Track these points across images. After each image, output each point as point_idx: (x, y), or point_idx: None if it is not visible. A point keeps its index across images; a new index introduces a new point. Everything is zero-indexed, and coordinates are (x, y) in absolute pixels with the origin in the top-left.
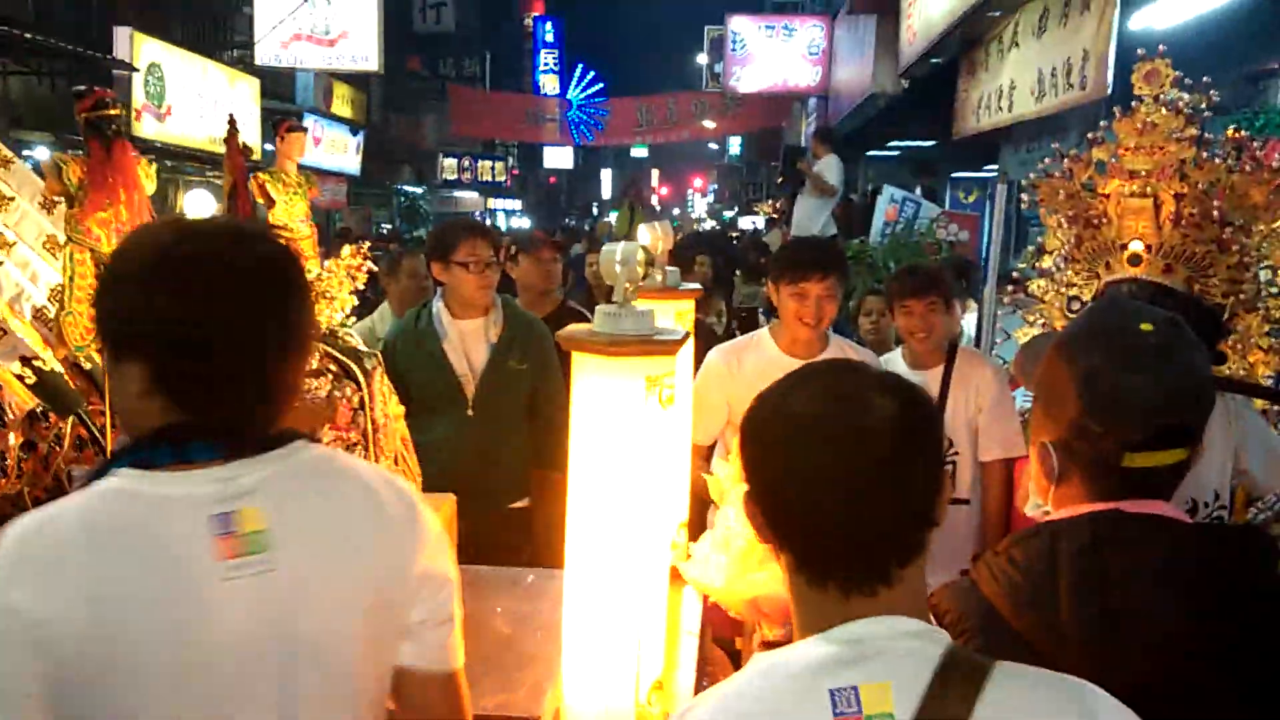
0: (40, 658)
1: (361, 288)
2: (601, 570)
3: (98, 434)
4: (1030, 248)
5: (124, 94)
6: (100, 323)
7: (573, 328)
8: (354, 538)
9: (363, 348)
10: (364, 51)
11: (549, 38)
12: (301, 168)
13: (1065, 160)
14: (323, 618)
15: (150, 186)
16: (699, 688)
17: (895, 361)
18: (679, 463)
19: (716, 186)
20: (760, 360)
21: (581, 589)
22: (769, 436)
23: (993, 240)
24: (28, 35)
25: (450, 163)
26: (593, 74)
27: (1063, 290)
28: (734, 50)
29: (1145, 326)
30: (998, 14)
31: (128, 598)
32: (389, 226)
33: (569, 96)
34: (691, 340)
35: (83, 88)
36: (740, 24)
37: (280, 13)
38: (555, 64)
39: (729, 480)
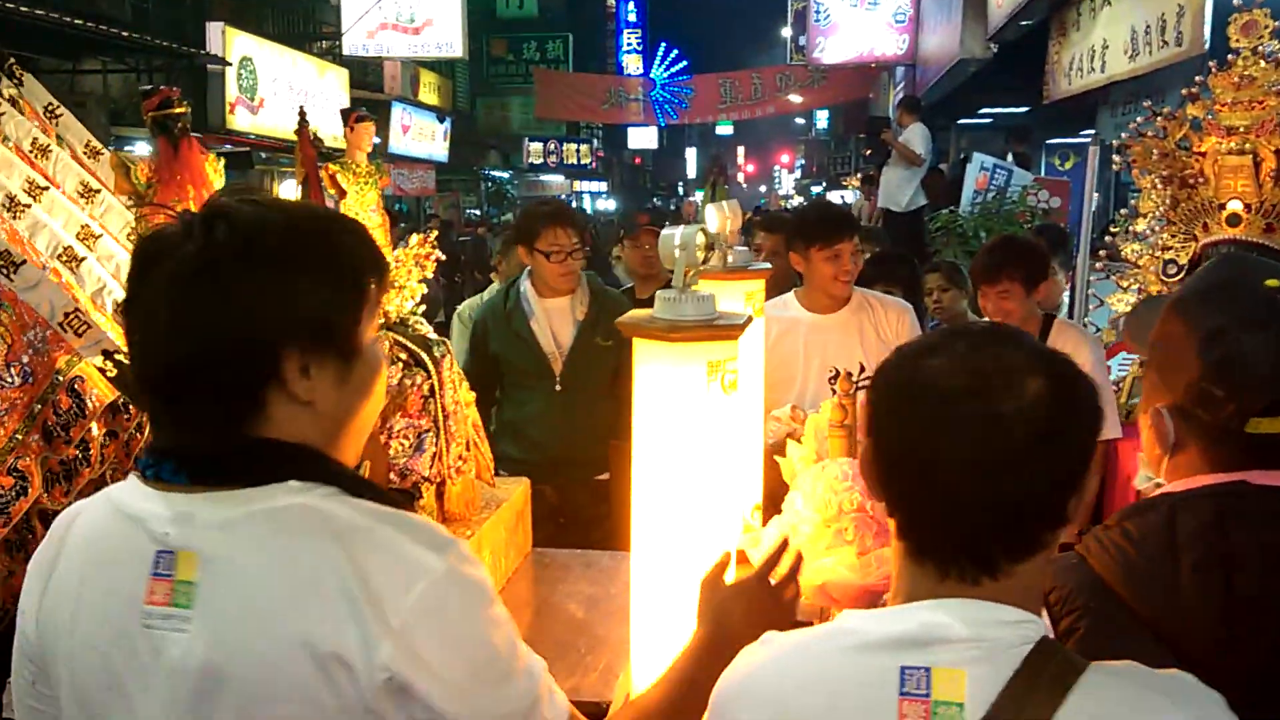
0: (24, 649)
1: (430, 276)
2: (667, 556)
3: None
4: (1123, 210)
5: (217, 88)
6: None
7: (632, 313)
8: (288, 615)
9: (432, 335)
10: (449, 39)
11: (631, 18)
12: (376, 155)
13: (1159, 119)
14: (234, 707)
15: (218, 182)
16: None
17: None
18: (747, 446)
19: (804, 161)
20: (786, 321)
21: (648, 575)
22: (899, 399)
23: (1086, 206)
24: (125, 33)
25: (536, 146)
26: (676, 52)
27: (1158, 254)
28: (818, 21)
29: (1271, 283)
30: None
31: (77, 605)
32: (477, 212)
33: (653, 76)
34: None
35: (149, 88)
36: None
37: (366, 3)
38: (639, 44)
39: (801, 462)
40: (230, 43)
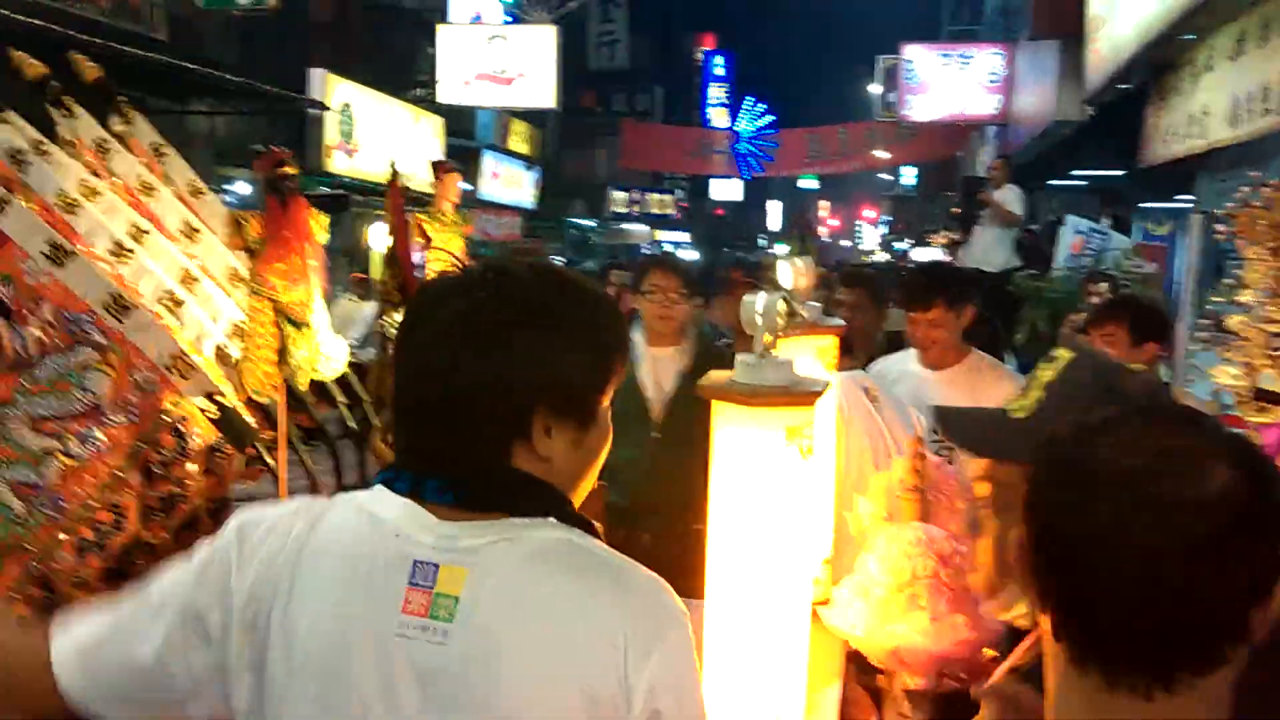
0: (223, 597)
1: None
2: (740, 618)
3: (266, 455)
4: (1228, 281)
5: (316, 132)
6: None
7: (713, 374)
8: (560, 640)
9: None
10: (541, 90)
11: (719, 71)
12: (463, 205)
13: (1265, 189)
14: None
15: (323, 238)
16: None
17: None
18: (820, 509)
19: (889, 217)
20: (898, 373)
21: (721, 636)
22: (1066, 481)
23: (1187, 273)
24: (232, 77)
25: (620, 196)
26: (763, 107)
27: (1264, 327)
28: (908, 79)
29: None
30: (1191, 37)
31: (325, 594)
32: (560, 260)
33: (738, 129)
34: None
35: (262, 148)
36: (915, 52)
37: (463, 54)
38: (726, 97)
39: (869, 519)
40: (331, 89)
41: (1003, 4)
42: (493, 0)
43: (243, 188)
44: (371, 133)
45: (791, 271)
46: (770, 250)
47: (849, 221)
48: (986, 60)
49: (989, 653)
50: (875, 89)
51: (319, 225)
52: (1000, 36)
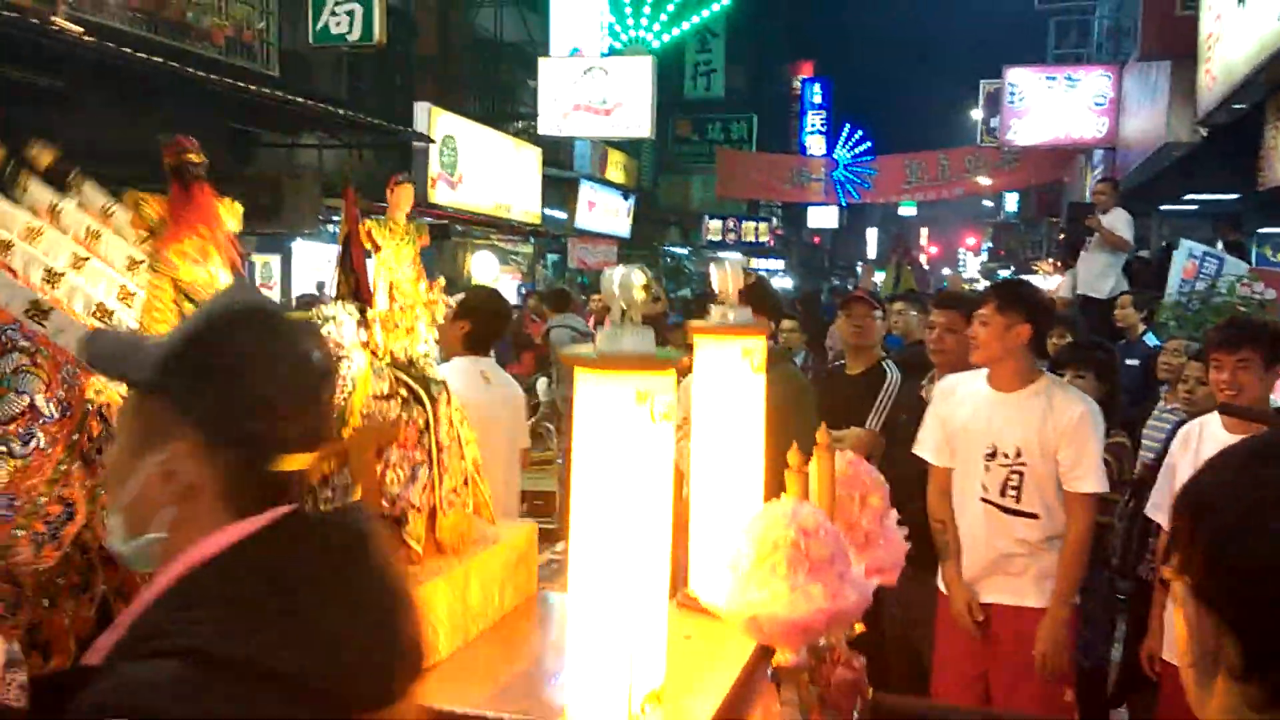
0: None
1: (440, 321)
2: (600, 584)
3: None
4: None
5: (421, 164)
6: None
7: (577, 346)
8: None
9: (437, 377)
10: (638, 120)
11: (816, 99)
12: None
13: None
14: None
15: (234, 224)
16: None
17: (1210, 425)
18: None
19: (990, 244)
20: (968, 389)
21: (582, 601)
22: (1259, 526)
23: None
24: (340, 111)
25: (715, 224)
26: (860, 133)
27: None
28: (1011, 103)
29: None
30: None
31: None
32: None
33: (836, 156)
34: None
35: (165, 137)
36: (1019, 76)
37: (563, 86)
38: (823, 125)
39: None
40: (435, 121)
41: (1113, 25)
42: (593, 32)
43: None
44: (474, 164)
45: (719, 275)
46: (863, 275)
47: (949, 249)
48: (1094, 82)
49: (858, 626)
50: (977, 114)
51: (230, 212)
52: (1109, 59)
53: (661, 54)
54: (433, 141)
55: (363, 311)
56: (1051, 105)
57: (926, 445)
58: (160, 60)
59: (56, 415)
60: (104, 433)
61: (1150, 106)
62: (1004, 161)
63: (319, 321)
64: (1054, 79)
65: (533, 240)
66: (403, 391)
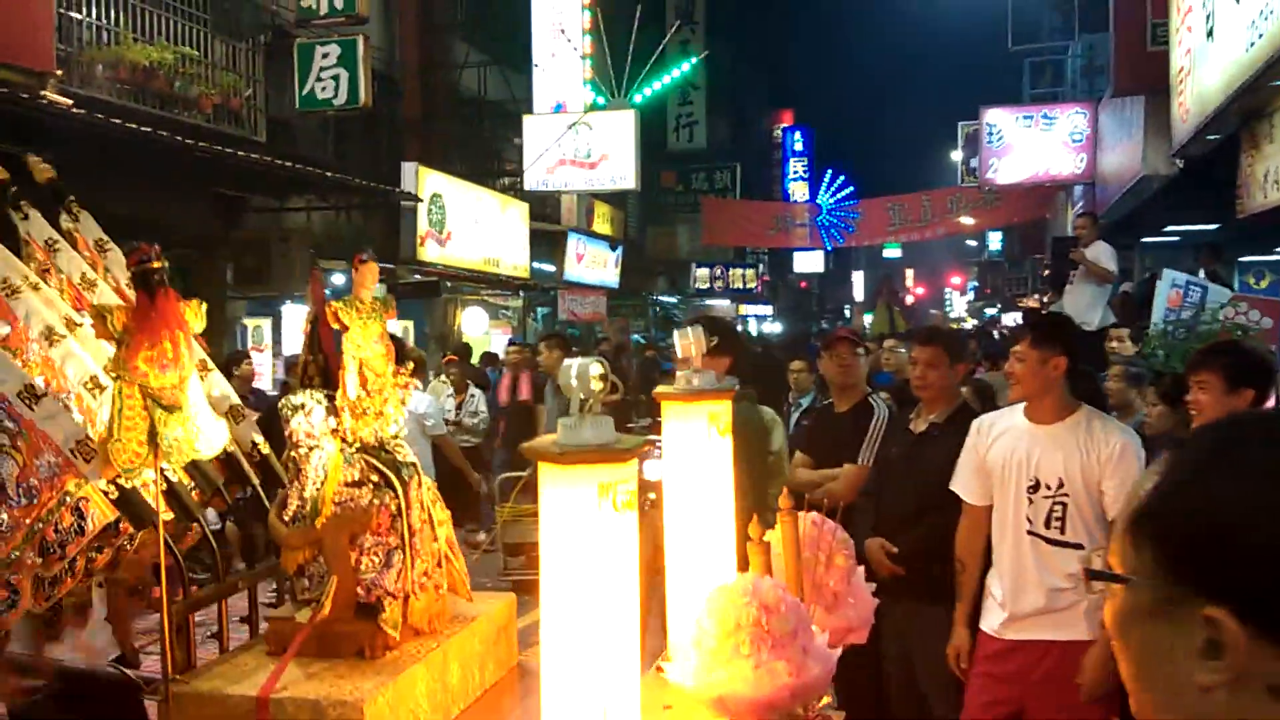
0: None
1: (404, 404)
2: (572, 666)
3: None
4: None
5: (410, 222)
6: None
7: (539, 440)
8: None
9: (410, 459)
10: (622, 172)
11: (798, 146)
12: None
13: None
14: None
15: (198, 325)
16: None
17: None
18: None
19: (976, 283)
20: (1006, 424)
21: (557, 683)
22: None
23: None
24: (327, 173)
25: (703, 272)
26: (842, 178)
27: None
28: (990, 143)
29: None
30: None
31: None
32: (638, 337)
33: (819, 201)
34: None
35: (131, 245)
36: (996, 116)
37: (547, 142)
38: (805, 171)
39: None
40: (422, 181)
41: (1086, 63)
42: (575, 88)
43: (338, 279)
44: (462, 221)
45: (681, 342)
46: (858, 320)
47: (935, 289)
48: (1069, 120)
49: (825, 699)
50: (957, 155)
51: (196, 314)
52: (1084, 96)
53: (644, 107)
54: (420, 200)
55: (331, 399)
56: (1030, 144)
57: (961, 482)
58: (149, 130)
59: (23, 501)
60: (75, 526)
61: (1126, 141)
62: (985, 201)
63: (289, 411)
64: (1031, 118)
65: (522, 294)
66: (374, 477)
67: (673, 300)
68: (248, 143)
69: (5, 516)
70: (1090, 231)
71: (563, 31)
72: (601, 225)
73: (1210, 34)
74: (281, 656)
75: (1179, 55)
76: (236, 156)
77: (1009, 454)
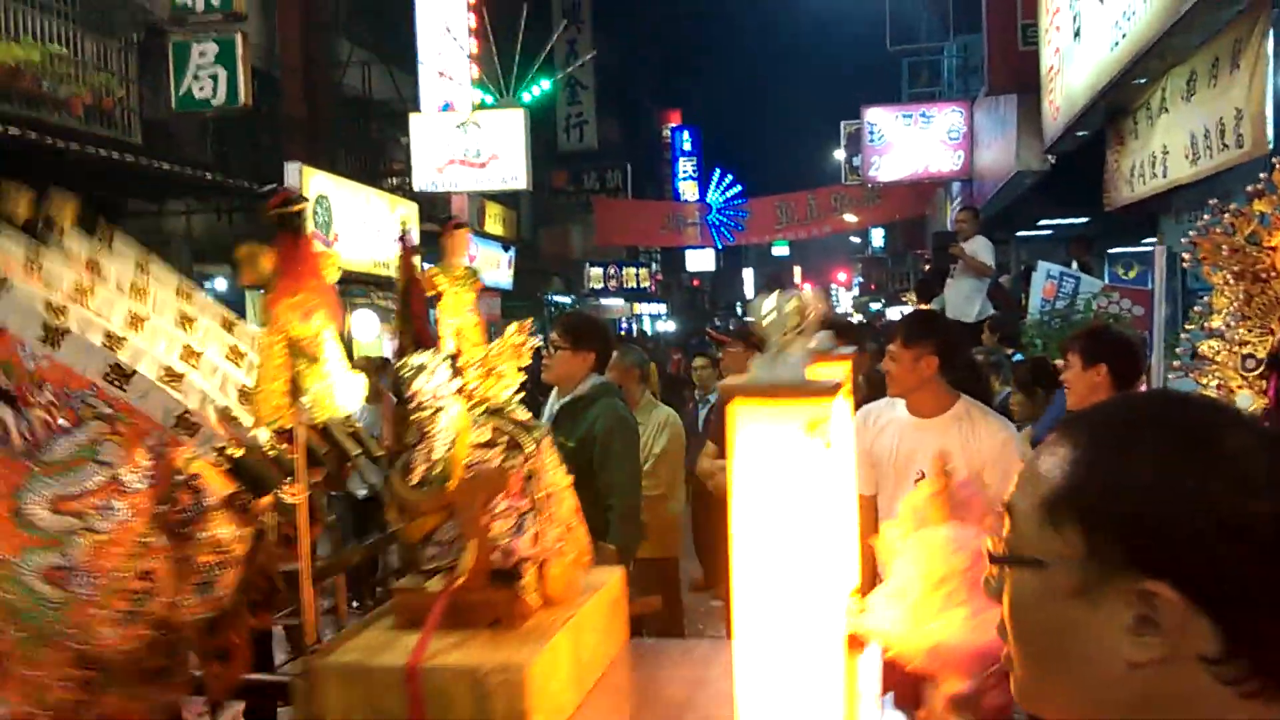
0: None
1: (528, 363)
2: (771, 629)
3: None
4: (1198, 307)
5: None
6: None
7: (731, 379)
8: None
9: (532, 421)
10: (513, 172)
11: (686, 146)
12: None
13: (1226, 215)
14: None
15: (333, 276)
16: None
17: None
18: (848, 514)
19: (861, 279)
20: (889, 416)
21: (753, 649)
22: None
23: (1156, 310)
24: (208, 175)
25: (596, 272)
26: (730, 177)
27: (1236, 349)
28: (872, 141)
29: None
30: (1143, 81)
31: None
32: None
33: (709, 200)
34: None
35: (269, 187)
36: (876, 115)
37: (435, 141)
38: (694, 171)
39: (899, 537)
40: (307, 181)
41: (961, 64)
42: (463, 89)
43: (220, 284)
44: (349, 223)
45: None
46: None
47: (822, 285)
48: (946, 118)
49: None
50: (840, 154)
51: (331, 263)
52: (960, 95)
53: (533, 106)
54: (305, 200)
55: (454, 358)
56: (909, 142)
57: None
58: (18, 132)
59: (141, 486)
60: (196, 503)
61: (1001, 138)
62: (868, 198)
63: (409, 372)
64: (909, 116)
65: None
66: (503, 439)
67: (567, 301)
68: (123, 144)
69: (123, 504)
70: (971, 225)
71: (449, 30)
72: (494, 226)
73: (1078, 34)
74: (413, 628)
75: (1049, 55)
76: (111, 159)
77: (894, 447)
